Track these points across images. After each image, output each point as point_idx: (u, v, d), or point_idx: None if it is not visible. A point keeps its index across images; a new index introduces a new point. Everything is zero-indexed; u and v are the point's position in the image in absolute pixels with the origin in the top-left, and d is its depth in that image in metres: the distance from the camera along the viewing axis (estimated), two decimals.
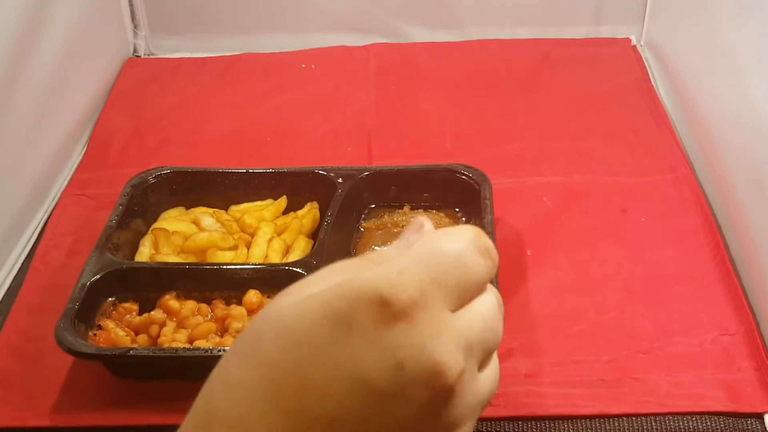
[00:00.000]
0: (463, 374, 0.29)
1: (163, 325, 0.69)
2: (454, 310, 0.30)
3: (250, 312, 0.70)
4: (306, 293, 0.30)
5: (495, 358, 0.33)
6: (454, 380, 0.29)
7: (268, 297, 0.72)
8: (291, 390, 0.28)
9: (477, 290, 0.32)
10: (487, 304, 0.32)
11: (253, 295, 0.70)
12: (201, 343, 0.67)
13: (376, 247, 0.79)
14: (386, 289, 0.28)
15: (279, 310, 0.30)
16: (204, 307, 0.71)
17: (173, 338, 0.67)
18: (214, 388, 0.30)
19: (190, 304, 0.70)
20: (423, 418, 0.29)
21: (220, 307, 0.70)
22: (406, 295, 0.29)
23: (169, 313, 0.69)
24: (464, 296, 0.31)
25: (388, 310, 0.28)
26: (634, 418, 0.65)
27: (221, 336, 0.69)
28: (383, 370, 0.28)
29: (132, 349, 0.65)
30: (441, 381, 0.28)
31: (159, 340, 0.67)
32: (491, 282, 0.32)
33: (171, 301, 0.70)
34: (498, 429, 0.65)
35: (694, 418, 0.65)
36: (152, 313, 0.69)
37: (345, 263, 0.33)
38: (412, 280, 0.29)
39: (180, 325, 0.69)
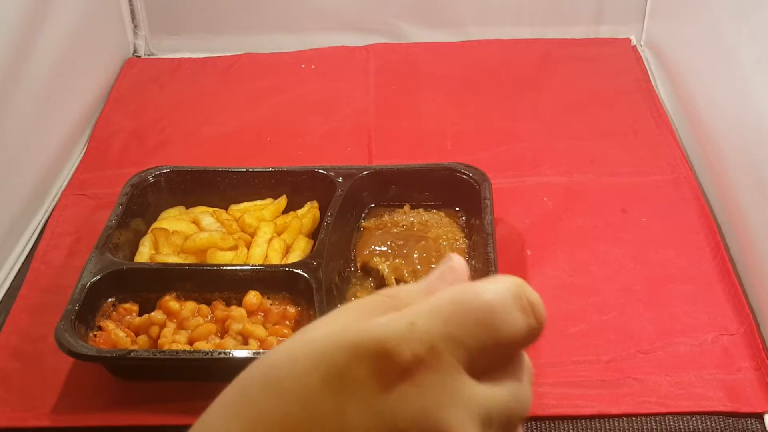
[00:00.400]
0: None
1: (163, 326, 0.69)
2: (476, 376, 0.25)
3: (250, 313, 0.70)
4: (306, 336, 0.26)
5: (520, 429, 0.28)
6: None
7: (268, 298, 0.72)
8: None
9: (509, 353, 0.26)
10: (520, 373, 0.27)
11: (253, 296, 0.70)
12: (201, 345, 0.67)
13: (377, 248, 0.79)
14: (390, 342, 0.24)
15: (273, 353, 0.26)
16: (204, 308, 0.71)
17: (173, 339, 0.67)
18: None
19: (190, 305, 0.70)
20: None
21: (220, 308, 0.70)
22: (411, 351, 0.24)
23: (169, 314, 0.70)
24: (491, 360, 0.26)
25: (389, 367, 0.24)
26: (634, 418, 0.65)
27: (221, 337, 0.69)
28: None
29: (132, 351, 0.65)
30: None
31: (159, 342, 0.67)
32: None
33: (171, 302, 0.70)
34: None
35: (694, 418, 0.65)
36: (152, 314, 0.69)
37: (362, 303, 0.28)
38: (422, 333, 0.24)
39: (180, 326, 0.69)
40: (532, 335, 0.26)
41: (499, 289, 0.26)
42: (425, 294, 0.28)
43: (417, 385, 0.24)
